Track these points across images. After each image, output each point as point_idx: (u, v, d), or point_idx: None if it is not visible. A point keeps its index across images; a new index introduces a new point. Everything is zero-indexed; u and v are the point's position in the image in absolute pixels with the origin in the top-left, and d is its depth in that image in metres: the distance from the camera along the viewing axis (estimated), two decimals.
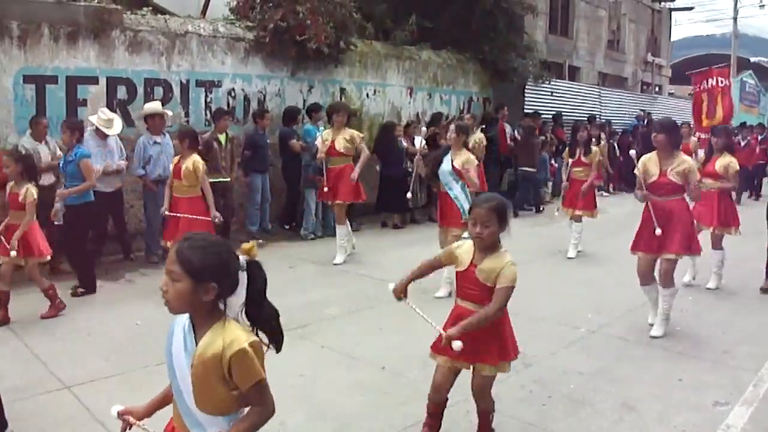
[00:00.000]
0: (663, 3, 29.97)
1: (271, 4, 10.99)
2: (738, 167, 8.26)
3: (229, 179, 10.01)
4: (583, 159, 10.13)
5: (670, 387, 5.33)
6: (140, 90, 9.61)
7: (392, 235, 11.74)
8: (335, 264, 9.15)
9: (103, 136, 8.47)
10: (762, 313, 7.41)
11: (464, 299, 4.12)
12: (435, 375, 4.24)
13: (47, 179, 8.17)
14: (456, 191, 7.69)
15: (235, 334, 2.43)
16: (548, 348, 6.08)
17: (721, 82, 15.02)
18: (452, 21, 15.08)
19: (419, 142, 12.55)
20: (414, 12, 13.97)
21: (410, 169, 12.24)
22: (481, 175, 10.50)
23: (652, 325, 6.67)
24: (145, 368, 5.42)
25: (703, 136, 14.02)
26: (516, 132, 14.90)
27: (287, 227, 11.33)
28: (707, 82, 15.20)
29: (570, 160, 10.37)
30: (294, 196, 11.24)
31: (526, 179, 14.45)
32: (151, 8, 10.60)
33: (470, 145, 9.61)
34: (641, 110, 22.54)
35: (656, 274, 6.63)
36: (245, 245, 2.61)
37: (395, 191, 11.98)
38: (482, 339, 4.01)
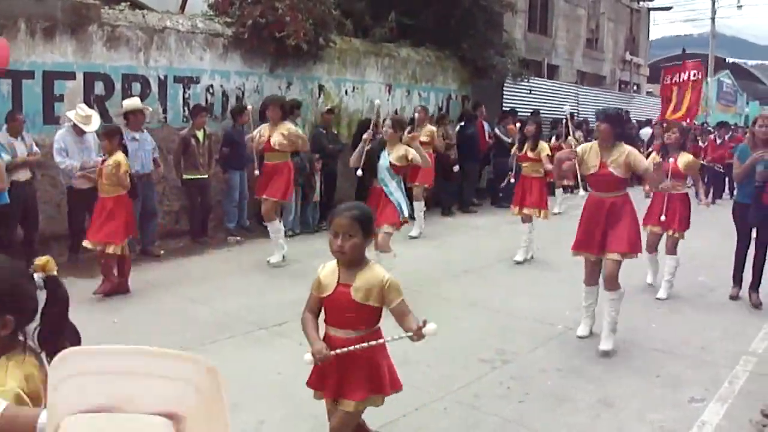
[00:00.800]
0: (641, 2, 30.15)
1: (250, 0, 10.93)
2: (699, 162, 8.28)
3: (206, 176, 9.97)
4: (529, 154, 9.66)
5: (647, 384, 5.38)
6: (118, 86, 9.53)
7: None
8: (271, 263, 8.87)
9: (81, 133, 8.40)
10: (739, 311, 7.49)
11: (337, 327, 3.54)
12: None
13: (23, 175, 8.11)
14: (392, 187, 7.41)
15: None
16: (526, 345, 6.11)
17: (694, 75, 14.60)
18: (432, 18, 15.07)
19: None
20: (393, 9, 13.94)
21: None
22: (429, 169, 10.81)
23: (581, 336, 6.42)
24: None
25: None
26: (497, 130, 14.99)
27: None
28: (679, 75, 14.83)
29: (518, 155, 9.94)
30: None
31: None
32: (129, 3, 10.50)
33: (421, 139, 10.14)
34: (619, 109, 22.64)
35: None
36: (40, 260, 2.22)
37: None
38: (351, 371, 3.52)
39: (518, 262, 9.32)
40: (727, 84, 27.57)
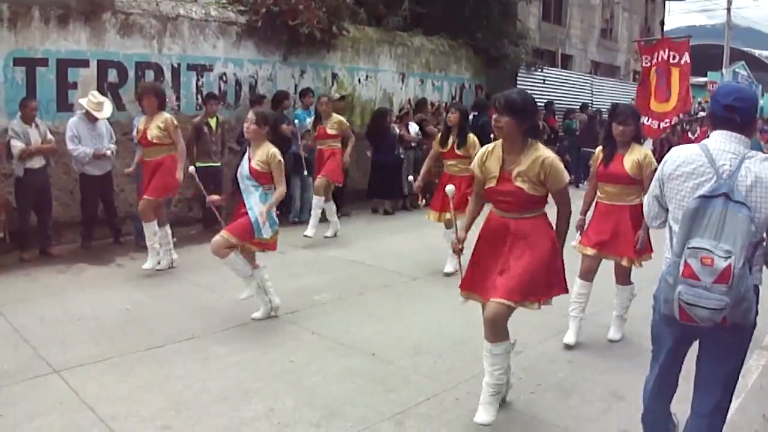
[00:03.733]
0: None
1: None
2: (655, 164, 5.05)
3: (219, 164, 9.98)
4: (457, 151, 7.90)
5: None
6: (131, 73, 9.55)
7: (383, 221, 11.73)
8: (156, 269, 7.89)
9: (93, 119, 8.43)
10: None
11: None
12: None
13: (37, 162, 8.15)
14: (252, 202, 6.10)
15: None
16: (538, 336, 6.09)
17: (674, 58, 11.89)
18: (445, 7, 15.03)
19: (414, 129, 12.62)
20: None
21: (402, 156, 12.29)
22: (337, 164, 9.87)
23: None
24: (135, 353, 5.42)
25: (655, 124, 11.77)
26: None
27: (277, 213, 11.29)
28: (657, 55, 12.18)
29: (441, 151, 8.11)
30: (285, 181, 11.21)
31: (584, 158, 14.53)
32: None
33: (328, 131, 9.87)
34: (633, 99, 22.54)
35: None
36: None
37: (387, 178, 12.02)
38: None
39: (447, 274, 8.00)
40: (742, 75, 27.38)
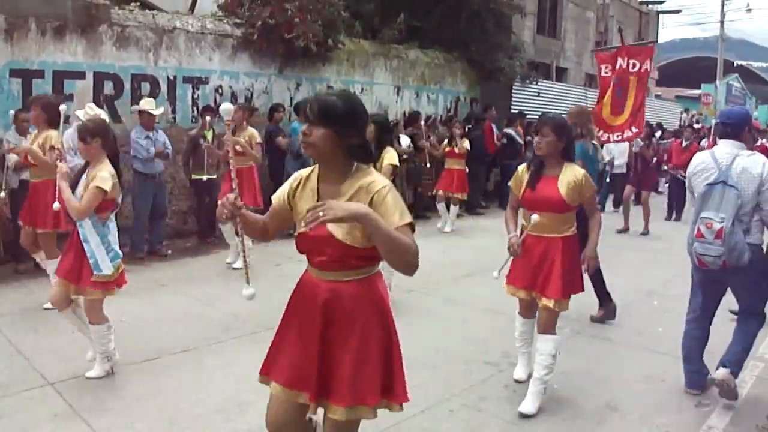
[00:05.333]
0: (650, 6, 30.12)
1: (259, 2, 10.97)
2: (594, 188, 4.92)
3: (215, 176, 9.99)
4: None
5: (653, 388, 5.37)
6: (127, 85, 9.57)
7: None
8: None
9: None
10: None
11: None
12: None
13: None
14: (87, 229, 5.06)
15: None
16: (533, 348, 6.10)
17: (633, 66, 10.99)
18: (440, 20, 15.12)
19: (405, 142, 12.64)
20: (402, 11, 14.00)
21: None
22: (254, 182, 9.01)
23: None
24: (130, 365, 5.41)
25: (605, 136, 10.82)
26: (511, 130, 15.01)
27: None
28: (617, 63, 11.23)
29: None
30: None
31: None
32: (138, 4, 10.56)
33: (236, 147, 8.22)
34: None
35: None
36: None
37: None
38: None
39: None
40: (736, 87, 27.50)
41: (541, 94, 18.46)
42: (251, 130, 9.14)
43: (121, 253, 5.31)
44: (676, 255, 7.78)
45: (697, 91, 28.74)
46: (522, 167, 5.02)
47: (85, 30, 9.06)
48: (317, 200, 2.91)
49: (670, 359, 6.01)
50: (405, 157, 12.51)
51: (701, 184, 4.91)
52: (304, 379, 2.98)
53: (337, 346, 2.93)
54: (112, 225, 5.26)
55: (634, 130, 11.07)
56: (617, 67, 11.07)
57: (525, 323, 5.26)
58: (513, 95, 17.21)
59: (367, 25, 13.77)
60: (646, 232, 12.44)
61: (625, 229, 12.53)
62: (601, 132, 10.67)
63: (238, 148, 8.40)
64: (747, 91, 29.07)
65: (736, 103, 27.14)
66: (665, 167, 15.04)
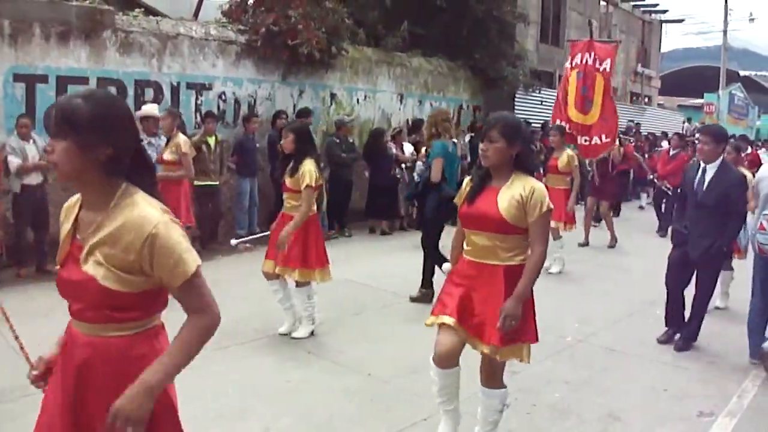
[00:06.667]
0: (654, 15, 30.16)
1: (263, 8, 10.99)
2: (549, 202, 3.80)
3: (217, 183, 10.00)
4: (287, 183, 6.85)
5: (655, 397, 5.35)
6: (131, 91, 9.57)
7: (380, 241, 11.73)
8: None
9: None
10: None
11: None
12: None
13: (34, 178, 8.16)
14: None
15: None
16: (534, 356, 6.05)
17: (598, 63, 10.75)
18: (444, 28, 15.14)
19: (408, 149, 12.64)
20: (406, 19, 14.02)
21: (398, 176, 12.30)
22: (186, 195, 8.28)
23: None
24: None
25: (580, 139, 10.84)
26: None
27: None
28: (582, 57, 10.97)
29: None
30: (282, 200, 11.23)
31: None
32: (143, 10, 10.58)
33: (165, 156, 8.01)
34: (630, 121, 22.65)
35: None
36: None
37: (383, 198, 12.04)
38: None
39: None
40: (738, 97, 27.47)
41: (544, 103, 18.46)
42: (181, 137, 8.30)
43: None
44: None
45: (699, 101, 28.73)
46: (467, 179, 4.08)
47: (89, 35, 9.07)
48: (75, 232, 2.39)
49: (672, 369, 6.00)
50: (408, 165, 12.51)
51: (766, 188, 5.99)
52: None
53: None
54: None
55: (606, 139, 10.98)
56: (582, 61, 10.98)
57: (444, 375, 3.97)
58: (516, 103, 17.21)
59: (370, 32, 13.79)
60: (613, 245, 11.71)
61: (585, 243, 11.59)
62: (573, 131, 10.76)
63: (166, 156, 8.07)
64: (750, 100, 29.05)
65: (738, 113, 27.13)
66: (651, 176, 14.64)
